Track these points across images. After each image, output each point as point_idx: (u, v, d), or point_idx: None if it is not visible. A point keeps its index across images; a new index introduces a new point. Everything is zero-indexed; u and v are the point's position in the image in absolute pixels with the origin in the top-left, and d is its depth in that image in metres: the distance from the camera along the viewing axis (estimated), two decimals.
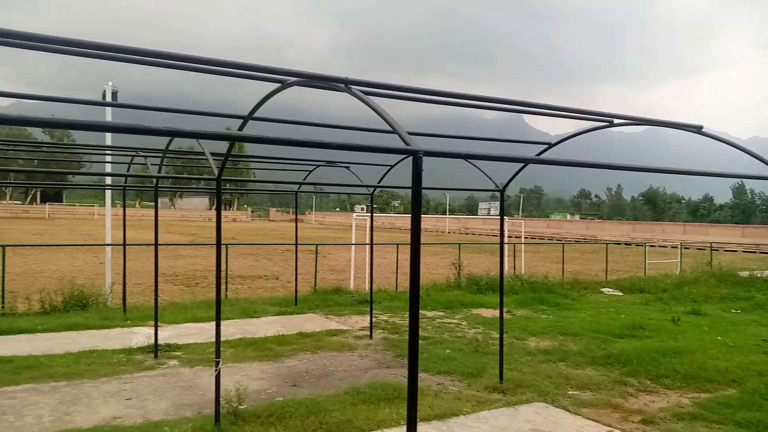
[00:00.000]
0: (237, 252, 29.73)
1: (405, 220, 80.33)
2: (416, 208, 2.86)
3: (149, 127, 3.46)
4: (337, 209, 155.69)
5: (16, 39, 3.70)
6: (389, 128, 5.22)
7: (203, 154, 8.06)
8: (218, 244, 6.25)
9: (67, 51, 3.97)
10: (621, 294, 18.48)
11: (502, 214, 8.25)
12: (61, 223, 62.18)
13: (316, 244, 17.75)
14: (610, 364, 9.41)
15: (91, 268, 21.54)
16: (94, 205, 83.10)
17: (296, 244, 14.34)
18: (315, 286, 16.17)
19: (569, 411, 7.25)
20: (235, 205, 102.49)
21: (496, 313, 13.71)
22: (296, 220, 14.92)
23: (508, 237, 22.71)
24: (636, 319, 13.16)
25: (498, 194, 8.50)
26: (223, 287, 15.98)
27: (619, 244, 47.13)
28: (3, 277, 12.54)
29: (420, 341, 10.73)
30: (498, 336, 8.51)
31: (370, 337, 11.01)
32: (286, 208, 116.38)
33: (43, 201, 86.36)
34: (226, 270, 15.65)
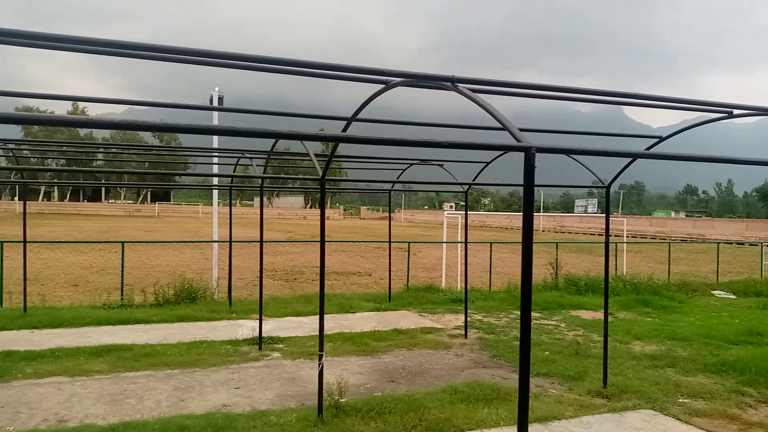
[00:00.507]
0: (331, 249, 30.49)
1: (495, 218, 78.98)
2: (529, 206, 2.80)
3: (264, 130, 3.63)
4: (426, 207, 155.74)
5: (128, 49, 3.97)
6: (487, 125, 5.15)
7: (304, 154, 8.34)
8: (322, 241, 6.43)
9: (175, 59, 4.19)
10: (734, 297, 17.20)
11: (607, 211, 7.90)
12: (169, 221, 66.48)
13: (409, 242, 17.84)
14: (724, 371, 8.80)
15: (197, 263, 22.86)
16: (198, 204, 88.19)
17: (389, 242, 14.50)
18: (408, 283, 16.28)
19: (680, 420, 6.85)
20: (329, 203, 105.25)
21: (597, 315, 13.24)
22: (389, 219, 15.08)
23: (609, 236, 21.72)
24: (753, 325, 12.19)
25: (596, 191, 8.19)
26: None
27: (731, 243, 43.85)
28: (122, 271, 13.61)
29: (517, 342, 10.54)
30: (599, 339, 8.20)
31: (465, 336, 10.93)
32: (376, 206, 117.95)
33: (153, 200, 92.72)
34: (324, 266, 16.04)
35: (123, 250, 13.76)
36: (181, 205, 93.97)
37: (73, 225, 49.51)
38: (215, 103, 13.59)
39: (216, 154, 12.61)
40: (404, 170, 12.66)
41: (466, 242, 10.95)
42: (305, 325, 11.44)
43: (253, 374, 8.22)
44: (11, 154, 11.36)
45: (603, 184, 7.54)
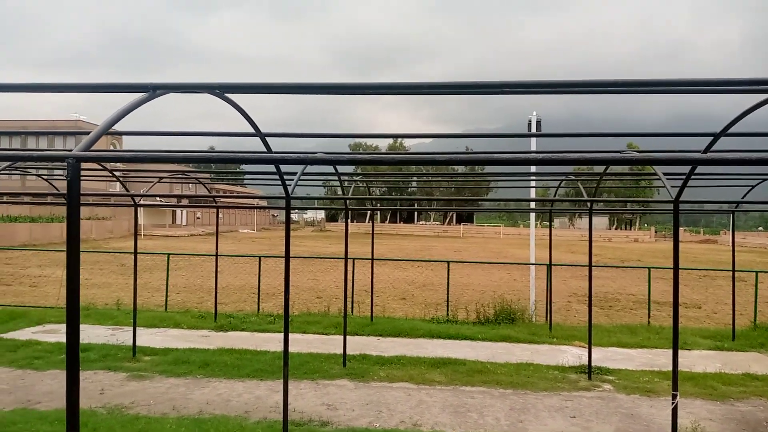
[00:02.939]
0: (644, 275, 27.99)
1: None
2: None
3: (609, 157, 3.48)
4: (760, 228, 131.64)
5: (435, 89, 4.15)
6: None
7: (642, 174, 7.81)
8: (676, 268, 5.86)
9: (473, 92, 4.22)
10: None
11: None
12: (473, 241, 69.65)
13: (756, 271, 15.25)
14: None
15: (506, 283, 23.36)
16: (499, 225, 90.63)
17: (733, 270, 12.62)
18: (755, 320, 13.89)
19: None
20: (638, 224, 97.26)
21: None
22: (733, 243, 13.13)
23: None
24: None
25: None
26: (643, 312, 15.22)
27: None
28: (448, 288, 14.68)
29: None
30: None
31: None
32: (695, 227, 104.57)
33: (458, 222, 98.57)
34: (649, 294, 14.82)
35: (448, 270, 14.87)
36: (483, 226, 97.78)
37: (393, 243, 55.64)
38: (533, 128, 13.73)
39: (534, 178, 12.74)
40: (753, 187, 10.95)
41: None
42: (634, 358, 10.66)
43: (586, 404, 7.94)
44: (363, 185, 13.27)
45: None
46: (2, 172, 8.37)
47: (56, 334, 11.69)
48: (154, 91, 3.39)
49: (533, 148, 13.29)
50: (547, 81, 4.24)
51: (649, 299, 14.78)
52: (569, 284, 23.71)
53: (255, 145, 6.28)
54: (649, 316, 14.31)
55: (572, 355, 10.60)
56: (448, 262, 15.32)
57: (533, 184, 13.29)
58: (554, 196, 11.69)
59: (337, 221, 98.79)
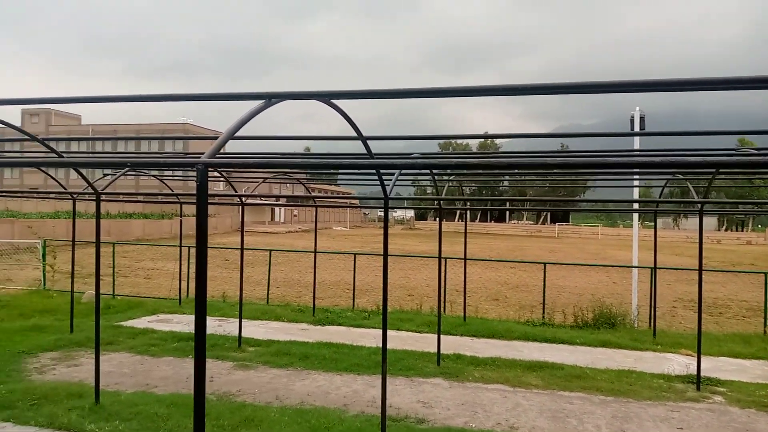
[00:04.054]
0: (757, 279, 25.90)
1: None
2: None
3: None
4: None
5: (527, 91, 4.00)
6: None
7: (758, 172, 7.27)
8: None
9: (568, 91, 4.01)
10: None
11: None
12: (569, 242, 67.30)
13: None
14: None
15: (605, 286, 22.44)
16: (597, 225, 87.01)
17: None
18: None
19: None
20: (751, 225, 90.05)
21: None
22: None
23: None
24: None
25: None
26: (757, 320, 14.15)
27: None
28: (544, 291, 14.36)
29: None
30: None
31: None
32: None
33: (553, 221, 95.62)
34: (766, 301, 13.74)
35: (545, 271, 14.54)
36: (580, 225, 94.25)
37: (484, 243, 54.89)
38: (636, 125, 13.06)
39: (637, 176, 12.14)
40: None
41: None
42: (748, 370, 9.95)
43: (695, 416, 7.53)
44: (455, 185, 13.25)
45: None
46: (126, 174, 9.14)
47: (169, 323, 12.59)
48: (269, 99, 3.61)
49: (636, 147, 12.70)
50: (645, 81, 4.03)
51: (766, 306, 13.70)
52: (674, 288, 22.47)
53: (350, 146, 6.48)
54: (765, 325, 13.27)
55: (678, 363, 10.06)
56: (545, 264, 14.97)
57: (636, 183, 12.71)
58: (660, 196, 11.11)
59: (425, 219, 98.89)
